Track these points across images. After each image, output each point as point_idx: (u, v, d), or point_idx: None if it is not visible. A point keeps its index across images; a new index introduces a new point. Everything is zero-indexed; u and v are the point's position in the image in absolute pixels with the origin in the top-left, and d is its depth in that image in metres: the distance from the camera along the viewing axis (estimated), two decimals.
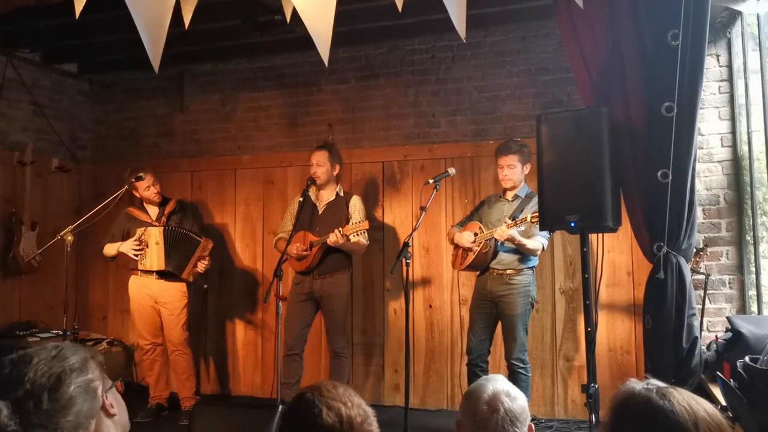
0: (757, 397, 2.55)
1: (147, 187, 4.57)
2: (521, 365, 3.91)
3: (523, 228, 3.85)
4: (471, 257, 4.03)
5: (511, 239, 3.82)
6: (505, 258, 3.99)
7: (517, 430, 1.71)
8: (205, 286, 4.89)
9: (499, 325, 4.05)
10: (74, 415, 1.22)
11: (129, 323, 5.33)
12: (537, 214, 3.51)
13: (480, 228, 4.07)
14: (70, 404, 1.22)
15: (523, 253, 3.95)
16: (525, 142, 4.10)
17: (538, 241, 3.92)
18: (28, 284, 5.15)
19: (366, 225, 4.12)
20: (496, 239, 3.90)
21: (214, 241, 4.79)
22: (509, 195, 4.09)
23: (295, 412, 1.33)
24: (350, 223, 4.27)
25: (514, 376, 3.84)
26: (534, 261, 4.03)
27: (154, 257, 4.49)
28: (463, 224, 4.24)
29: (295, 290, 4.38)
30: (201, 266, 4.57)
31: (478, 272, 4.14)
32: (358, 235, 4.21)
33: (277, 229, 4.68)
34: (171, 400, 4.70)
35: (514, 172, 4.01)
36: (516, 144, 4.06)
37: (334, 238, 4.10)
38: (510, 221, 3.83)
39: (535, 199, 3.82)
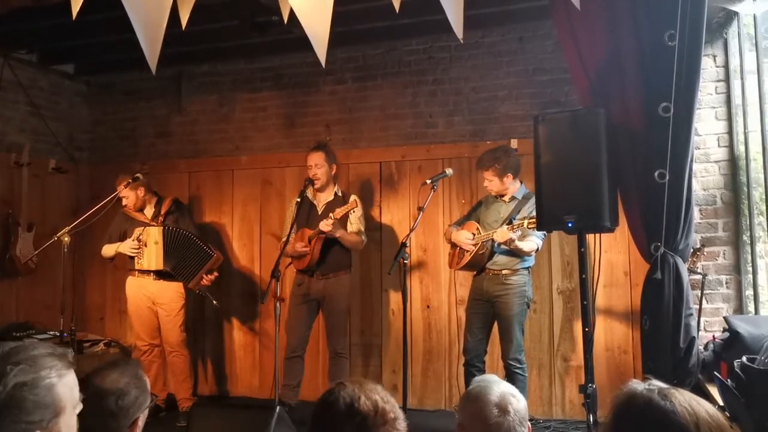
0: (755, 396, 2.56)
1: (126, 194, 4.48)
2: (518, 365, 3.92)
3: (520, 232, 3.85)
4: (467, 257, 4.03)
5: (511, 243, 3.82)
6: (501, 258, 3.99)
7: (524, 430, 1.71)
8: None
9: (496, 325, 4.06)
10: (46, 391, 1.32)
11: (126, 324, 5.32)
12: (534, 219, 3.52)
13: (478, 228, 4.06)
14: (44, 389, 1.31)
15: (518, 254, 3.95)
16: (520, 142, 4.09)
17: (533, 241, 3.93)
18: (25, 285, 5.13)
19: (354, 204, 4.17)
20: (493, 240, 3.90)
21: (212, 241, 4.78)
22: (506, 196, 4.09)
23: (335, 397, 1.40)
24: (348, 223, 4.29)
25: (511, 377, 3.84)
26: (530, 261, 4.04)
27: (153, 257, 4.46)
28: (460, 224, 4.24)
29: (297, 291, 4.36)
30: (207, 279, 4.51)
31: (474, 272, 4.14)
32: (357, 230, 4.23)
33: (278, 232, 4.67)
34: (168, 401, 4.69)
35: (493, 184, 4.03)
36: (489, 159, 3.99)
37: (325, 222, 4.09)
38: (512, 224, 3.82)
39: (532, 201, 3.81)
